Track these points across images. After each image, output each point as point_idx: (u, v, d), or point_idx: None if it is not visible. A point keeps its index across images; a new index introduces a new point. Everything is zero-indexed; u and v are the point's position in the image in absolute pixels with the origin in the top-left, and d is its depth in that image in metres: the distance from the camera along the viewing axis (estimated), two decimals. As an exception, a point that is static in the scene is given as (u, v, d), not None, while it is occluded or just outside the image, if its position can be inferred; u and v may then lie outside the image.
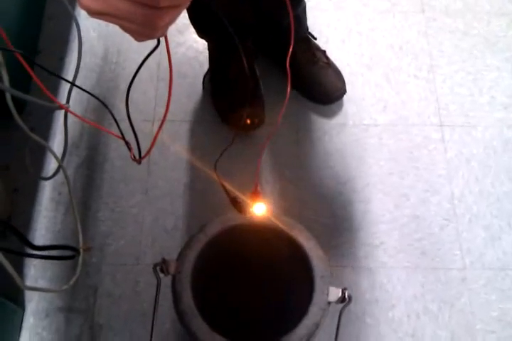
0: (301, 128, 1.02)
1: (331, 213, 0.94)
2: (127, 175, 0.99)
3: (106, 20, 0.32)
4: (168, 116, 1.11)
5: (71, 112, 0.65)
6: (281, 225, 0.67)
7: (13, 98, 0.67)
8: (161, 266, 0.66)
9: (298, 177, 0.97)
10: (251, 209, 0.64)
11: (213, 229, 0.68)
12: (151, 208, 0.96)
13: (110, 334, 0.86)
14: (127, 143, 0.64)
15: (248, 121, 0.98)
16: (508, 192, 0.95)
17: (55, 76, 0.64)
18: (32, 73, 0.60)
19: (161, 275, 0.67)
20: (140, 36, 0.35)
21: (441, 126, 1.02)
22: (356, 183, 0.96)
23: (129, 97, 1.17)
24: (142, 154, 0.59)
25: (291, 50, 0.78)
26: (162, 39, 0.42)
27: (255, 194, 0.65)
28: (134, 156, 0.60)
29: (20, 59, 0.58)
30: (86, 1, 0.30)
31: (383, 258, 0.90)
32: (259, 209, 0.65)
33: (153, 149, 1.04)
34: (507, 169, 0.97)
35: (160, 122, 1.02)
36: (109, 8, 0.31)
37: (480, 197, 0.95)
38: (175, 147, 1.01)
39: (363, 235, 0.92)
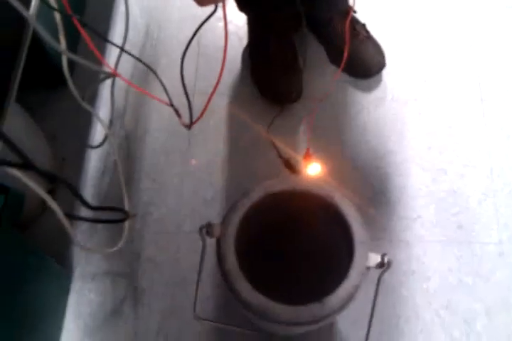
0: (340, 101, 1.02)
1: (368, 187, 0.95)
2: (168, 146, 1.02)
3: None
4: (208, 90, 1.13)
5: (122, 78, 0.68)
6: (322, 191, 0.69)
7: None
8: (207, 229, 0.69)
9: (335, 150, 0.98)
10: (305, 170, 0.65)
11: (257, 194, 0.70)
12: (191, 179, 0.99)
13: (153, 297, 0.90)
14: (176, 110, 0.66)
15: (286, 95, 1.00)
16: (548, 167, 0.94)
17: (106, 41, 0.67)
18: (87, 37, 0.62)
19: (207, 237, 0.70)
20: (204, 1, 0.37)
21: (481, 100, 1.01)
22: (394, 157, 0.96)
23: (170, 72, 1.20)
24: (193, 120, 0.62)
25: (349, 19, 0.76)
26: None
27: (308, 155, 0.67)
28: (185, 122, 0.62)
29: (77, 24, 0.61)
30: None
31: (420, 232, 0.91)
32: (314, 169, 0.65)
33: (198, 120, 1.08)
34: (548, 144, 0.96)
35: (200, 95, 1.05)
36: None
37: (520, 171, 0.95)
38: (214, 120, 1.03)
39: (401, 209, 0.93)
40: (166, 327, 0.86)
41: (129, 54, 0.74)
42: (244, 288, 0.65)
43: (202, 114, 0.56)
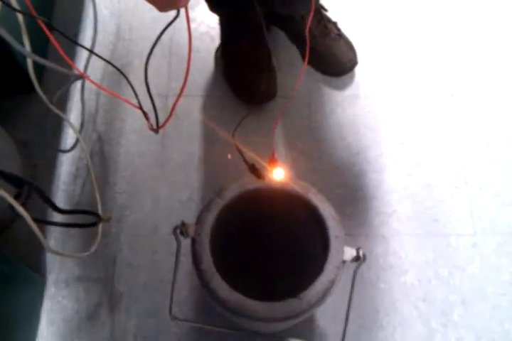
0: (313, 101, 1.04)
1: (344, 183, 0.96)
2: (142, 149, 1.02)
3: None
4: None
5: (90, 80, 0.67)
6: (296, 188, 0.70)
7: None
8: (181, 229, 0.68)
9: (310, 149, 0.99)
10: (269, 175, 0.66)
11: (231, 192, 0.70)
12: (166, 181, 0.99)
13: (130, 301, 0.89)
14: (145, 114, 0.65)
15: (260, 94, 1.01)
16: (519, 159, 0.97)
17: (74, 43, 0.67)
18: (53, 39, 0.62)
19: (181, 238, 0.70)
20: (164, 6, 0.37)
21: (452, 95, 1.03)
22: (369, 153, 0.98)
23: (143, 74, 1.19)
24: (159, 124, 0.61)
25: (310, 19, 0.78)
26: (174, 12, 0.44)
27: (273, 160, 0.68)
28: (152, 126, 0.61)
29: (42, 26, 0.60)
30: None
31: (396, 226, 0.92)
32: (278, 174, 0.67)
33: (167, 123, 1.08)
34: (519, 136, 0.99)
35: (174, 96, 1.05)
36: None
37: (491, 164, 0.97)
38: (188, 121, 1.03)
39: (376, 204, 0.94)
40: (144, 330, 0.85)
41: (98, 56, 0.73)
42: (220, 287, 0.66)
43: (168, 118, 0.55)
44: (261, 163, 0.69)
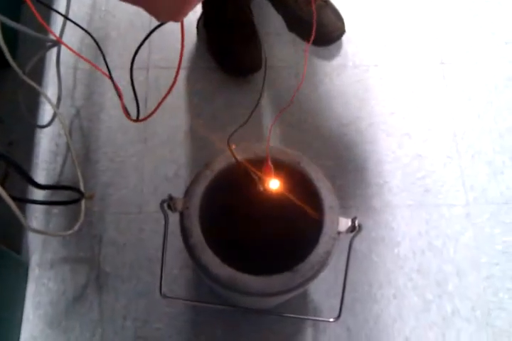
0: (301, 71, 0.99)
1: (334, 155, 0.92)
2: (125, 124, 0.96)
3: (134, 4, 0.32)
4: (163, 64, 1.07)
5: (66, 45, 0.61)
6: (288, 158, 0.65)
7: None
8: (168, 203, 0.64)
9: (300, 121, 0.94)
10: (265, 185, 0.62)
11: (220, 164, 0.66)
12: (151, 156, 0.93)
13: (118, 281, 0.85)
14: (120, 97, 0.56)
15: (245, 66, 0.95)
16: (510, 127, 0.94)
17: (49, 8, 0.60)
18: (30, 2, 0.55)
19: (169, 212, 0.65)
20: (164, 18, 0.34)
21: (442, 63, 0.99)
22: (359, 124, 0.93)
23: (122, 44, 1.12)
24: (141, 112, 0.52)
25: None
26: None
27: (267, 169, 0.63)
28: (130, 115, 0.52)
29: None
30: None
31: (388, 197, 0.89)
32: (274, 186, 0.63)
33: (150, 97, 1.02)
34: (509, 105, 0.96)
35: (155, 69, 0.99)
36: None
37: (482, 133, 0.94)
38: (172, 95, 0.97)
39: (367, 175, 0.90)
40: (134, 311, 0.81)
41: (73, 22, 0.67)
42: (212, 262, 0.61)
43: (153, 112, 0.46)
44: (257, 173, 0.64)
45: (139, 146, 0.94)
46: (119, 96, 0.52)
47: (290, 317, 0.80)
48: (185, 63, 1.00)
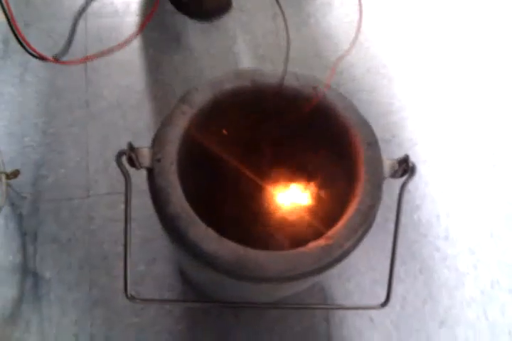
0: (279, 12, 0.77)
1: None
2: (59, 86, 0.70)
3: None
4: (110, 8, 0.79)
5: None
6: (298, 84, 0.43)
7: None
8: (129, 156, 0.39)
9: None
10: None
11: (202, 96, 0.42)
12: (97, 125, 0.68)
13: (63, 289, 0.59)
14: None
15: (211, 6, 0.73)
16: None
17: None
18: None
19: (131, 170, 0.40)
20: None
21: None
22: (352, 71, 0.73)
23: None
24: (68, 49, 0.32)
25: None
26: None
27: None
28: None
29: None
30: None
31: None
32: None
33: (91, 50, 0.74)
34: None
35: (92, 16, 0.73)
36: None
37: None
38: (120, 48, 0.72)
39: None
40: (89, 326, 0.55)
41: None
42: (204, 236, 0.38)
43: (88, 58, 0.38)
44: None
45: (80, 112, 0.69)
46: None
47: (324, 308, 0.58)
48: (135, 8, 0.75)
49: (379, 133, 0.67)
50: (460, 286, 0.63)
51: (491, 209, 0.68)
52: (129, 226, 0.42)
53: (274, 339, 0.58)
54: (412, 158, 0.42)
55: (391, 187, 0.47)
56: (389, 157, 0.45)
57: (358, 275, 0.62)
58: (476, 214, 0.67)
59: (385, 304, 0.44)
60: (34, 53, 0.41)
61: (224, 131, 0.48)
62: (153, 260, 0.61)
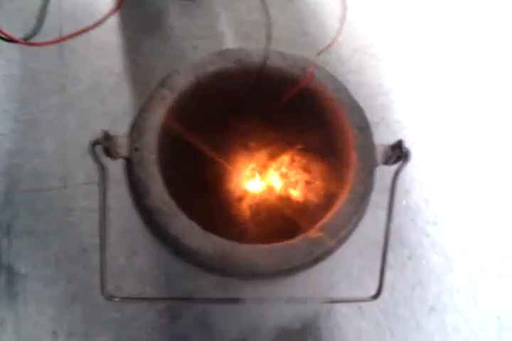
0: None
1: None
2: (32, 69, 0.65)
3: None
4: None
5: None
6: (285, 64, 0.40)
7: None
8: (105, 145, 0.36)
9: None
10: None
11: (183, 79, 0.39)
12: (74, 110, 0.63)
13: (39, 284, 0.55)
14: None
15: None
16: None
17: None
18: None
19: (106, 161, 0.37)
20: None
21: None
22: (342, 50, 0.70)
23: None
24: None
25: None
26: None
27: None
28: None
29: None
30: None
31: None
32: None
33: (66, 30, 0.69)
34: None
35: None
36: None
37: None
38: (97, 28, 0.67)
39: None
40: (67, 322, 0.52)
41: None
42: (187, 231, 0.35)
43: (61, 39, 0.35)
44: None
45: (56, 98, 0.64)
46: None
47: (314, 301, 0.56)
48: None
49: (367, 116, 0.65)
50: (449, 272, 0.62)
51: (481, 193, 0.66)
52: (104, 223, 0.38)
53: (261, 329, 0.56)
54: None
55: (379, 170, 0.45)
56: (378, 141, 0.43)
57: (344, 263, 0.60)
58: (465, 198, 0.65)
59: (376, 296, 0.42)
60: (1, 35, 0.37)
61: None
62: (134, 252, 0.58)
